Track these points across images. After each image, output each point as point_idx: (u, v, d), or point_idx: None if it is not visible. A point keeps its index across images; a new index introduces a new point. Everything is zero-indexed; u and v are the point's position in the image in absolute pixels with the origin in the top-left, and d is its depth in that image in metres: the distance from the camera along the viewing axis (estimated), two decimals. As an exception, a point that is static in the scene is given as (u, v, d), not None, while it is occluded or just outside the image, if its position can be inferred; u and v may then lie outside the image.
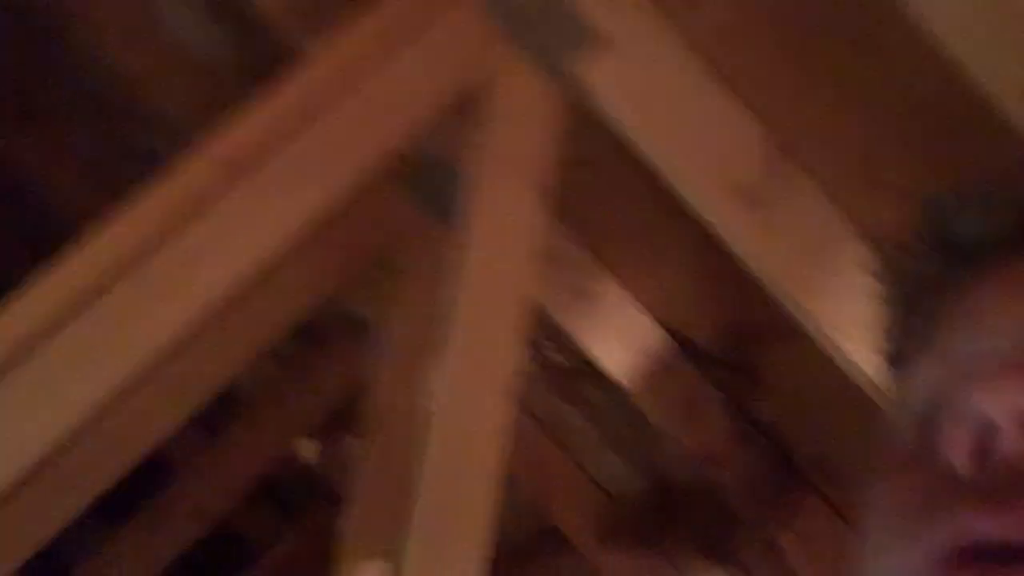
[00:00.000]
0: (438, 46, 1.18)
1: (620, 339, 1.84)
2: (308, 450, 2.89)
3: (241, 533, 3.46)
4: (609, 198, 1.71)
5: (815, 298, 1.33)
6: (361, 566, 1.40)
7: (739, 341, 1.80)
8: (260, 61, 1.68)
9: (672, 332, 1.85)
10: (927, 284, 0.43)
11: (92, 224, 1.05)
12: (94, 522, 1.90)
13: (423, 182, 1.63)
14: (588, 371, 1.97)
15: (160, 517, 2.48)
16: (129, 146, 2.41)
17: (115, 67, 2.08)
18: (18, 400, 0.99)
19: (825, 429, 1.84)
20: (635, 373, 1.85)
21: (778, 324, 1.47)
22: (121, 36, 1.98)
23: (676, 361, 1.86)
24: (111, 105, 2.33)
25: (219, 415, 2.36)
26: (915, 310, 0.43)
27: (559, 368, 2.16)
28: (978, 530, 0.31)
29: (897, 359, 0.44)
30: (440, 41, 1.18)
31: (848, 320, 1.33)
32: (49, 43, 2.20)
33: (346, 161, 1.16)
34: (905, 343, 0.43)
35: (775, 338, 1.69)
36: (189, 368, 1.61)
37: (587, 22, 1.22)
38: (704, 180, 1.31)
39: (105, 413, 1.06)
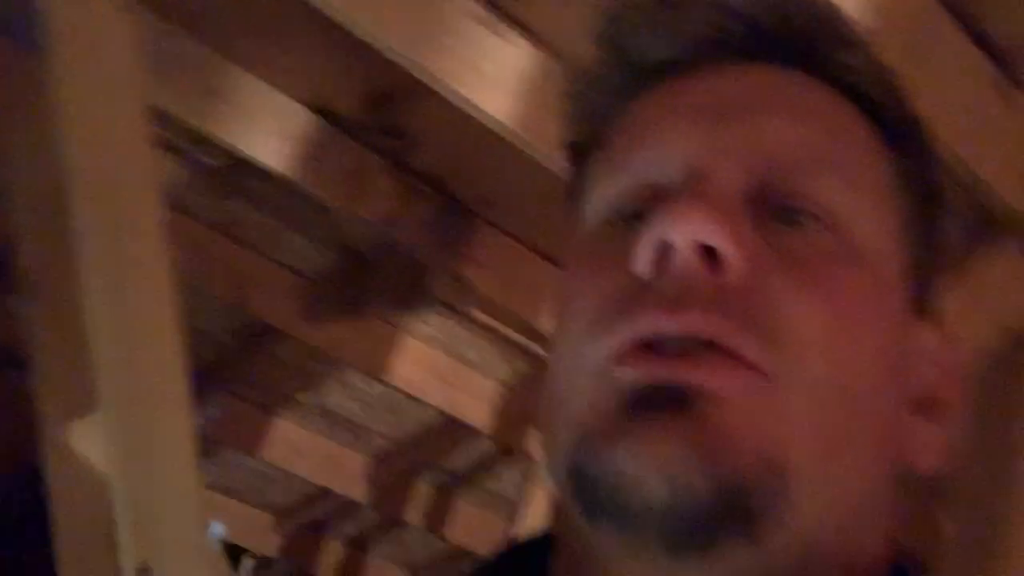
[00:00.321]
0: None
1: (267, 128, 1.81)
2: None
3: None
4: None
5: (433, 55, 1.38)
6: (65, 425, 1.38)
7: (383, 105, 1.83)
8: None
9: (317, 110, 1.85)
10: (605, 93, 0.45)
11: None
12: None
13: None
14: (245, 166, 1.94)
15: None
16: None
17: None
18: None
19: (484, 171, 1.96)
20: (291, 157, 1.85)
21: (413, 83, 1.51)
22: None
23: (329, 136, 1.88)
24: None
25: None
26: (595, 116, 0.45)
27: (215, 170, 2.11)
28: (657, 327, 0.36)
29: (577, 155, 0.46)
30: None
31: (469, 72, 1.39)
32: None
33: None
34: (584, 142, 0.46)
35: (414, 97, 1.74)
36: None
37: None
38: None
39: None
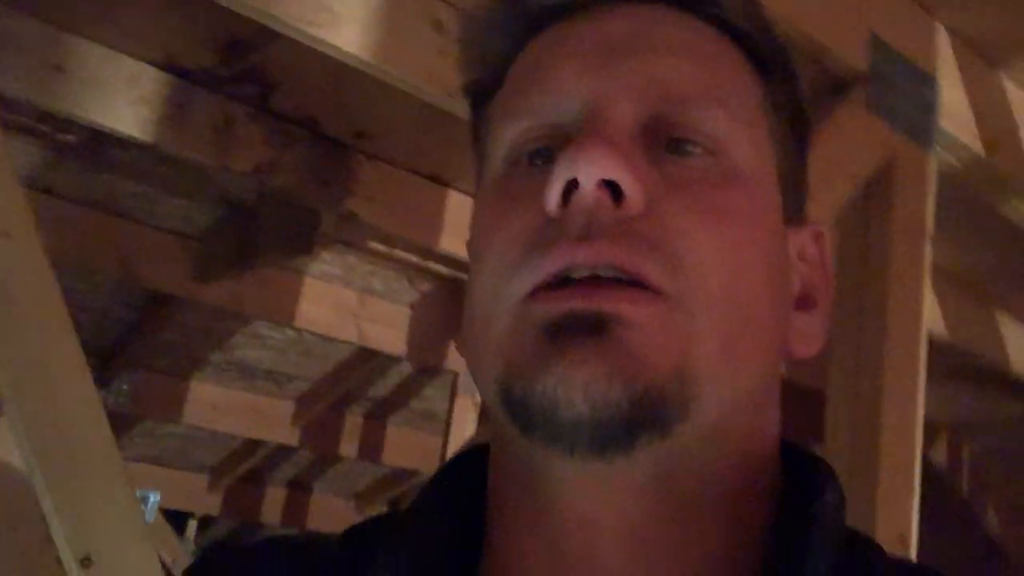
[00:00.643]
0: None
1: (123, 96, 1.76)
2: None
3: None
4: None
5: (278, 1, 1.35)
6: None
7: (237, 53, 1.79)
8: None
9: (170, 69, 1.80)
10: (499, 37, 0.47)
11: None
12: None
13: None
14: (108, 138, 1.89)
15: None
16: None
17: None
18: None
19: (352, 106, 1.94)
20: (153, 122, 1.80)
21: (264, 28, 1.48)
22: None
23: (187, 94, 1.83)
24: None
25: None
26: (491, 60, 0.47)
27: (78, 147, 2.04)
28: (569, 260, 0.39)
29: (477, 99, 0.48)
30: None
31: (319, 12, 1.37)
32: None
33: None
34: (482, 86, 0.48)
35: (268, 41, 1.70)
36: None
37: None
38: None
39: None
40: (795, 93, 0.48)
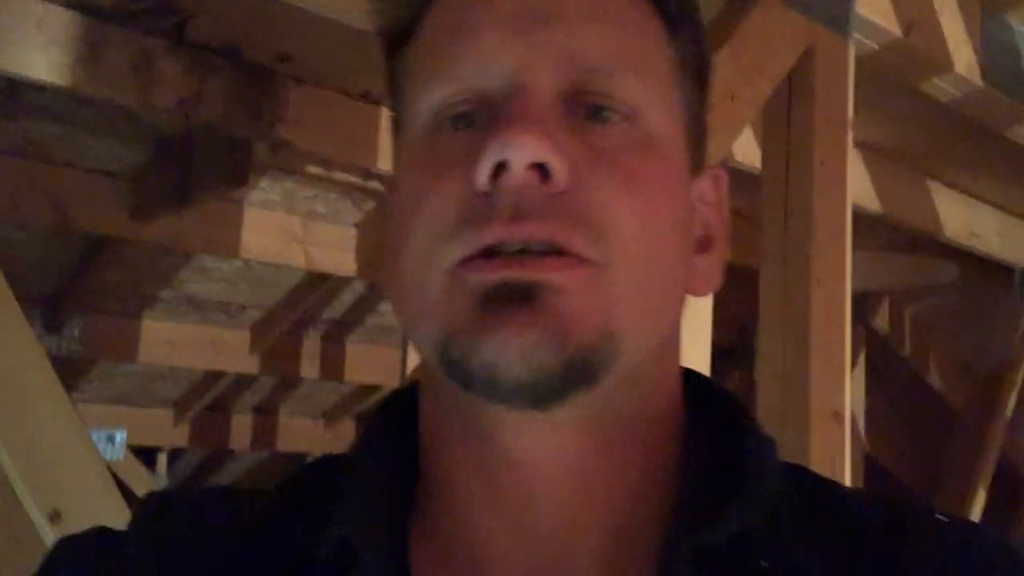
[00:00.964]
0: None
1: (33, 41, 1.71)
2: None
3: None
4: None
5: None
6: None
7: (145, -15, 1.74)
8: None
9: (80, 8, 1.74)
10: None
11: None
12: None
13: None
14: (23, 84, 1.84)
15: None
16: None
17: None
18: None
19: (271, 29, 1.89)
20: (68, 65, 1.75)
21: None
22: None
23: (100, 33, 1.78)
24: None
25: None
26: (403, 5, 0.48)
27: (-7, 97, 1.98)
28: (500, 238, 0.41)
29: (390, 44, 0.49)
30: None
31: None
32: None
33: None
34: (396, 32, 0.48)
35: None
36: None
37: None
38: None
39: None
40: (701, 46, 0.50)
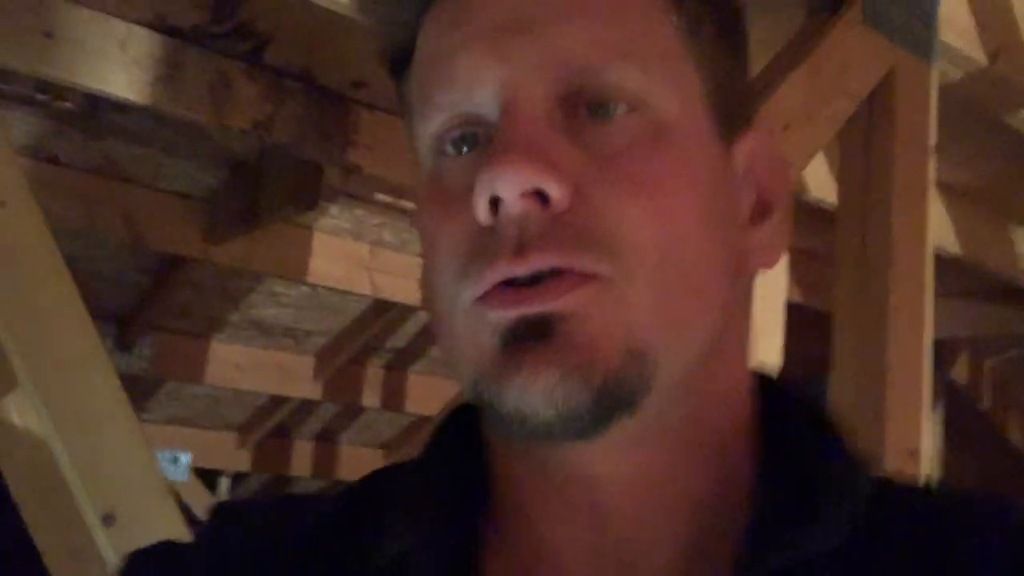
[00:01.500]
0: None
1: (116, 59, 1.75)
2: None
3: None
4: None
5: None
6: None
7: (226, 9, 1.78)
8: None
9: (161, 29, 1.79)
10: (397, 5, 0.46)
11: None
12: None
13: None
14: (106, 104, 1.89)
15: None
16: None
17: None
18: None
19: (346, 55, 1.92)
20: (148, 84, 1.80)
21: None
22: None
23: (180, 54, 1.83)
24: None
25: None
26: (397, 27, 0.46)
27: (77, 114, 2.04)
28: (507, 273, 0.40)
29: (393, 67, 0.48)
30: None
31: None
32: None
33: None
34: (396, 55, 0.47)
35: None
36: None
37: None
38: None
39: None
40: (720, 5, 0.46)
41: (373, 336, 3.33)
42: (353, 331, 3.29)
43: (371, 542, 0.44)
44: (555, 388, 0.38)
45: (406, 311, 3.19)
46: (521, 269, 0.39)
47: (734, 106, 0.46)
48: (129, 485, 1.05)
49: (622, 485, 0.42)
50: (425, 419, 3.91)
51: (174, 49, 1.80)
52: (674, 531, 0.43)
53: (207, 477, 3.79)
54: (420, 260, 2.44)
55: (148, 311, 2.87)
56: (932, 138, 1.38)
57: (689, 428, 0.43)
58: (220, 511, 0.50)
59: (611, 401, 0.39)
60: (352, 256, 2.79)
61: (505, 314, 0.40)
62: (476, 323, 0.41)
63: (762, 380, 0.47)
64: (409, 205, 2.59)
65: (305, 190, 2.23)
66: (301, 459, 3.99)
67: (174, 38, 1.80)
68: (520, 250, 0.39)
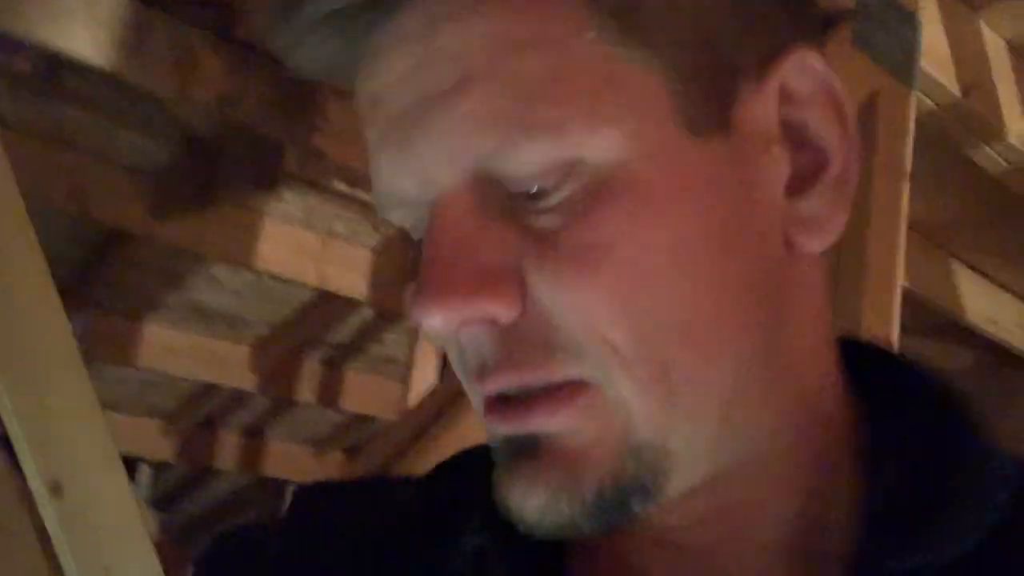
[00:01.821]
0: None
1: (78, 18, 1.68)
2: None
3: None
4: None
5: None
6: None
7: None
8: None
9: (129, -8, 1.73)
10: (321, 39, 0.41)
11: None
12: None
13: None
14: (63, 66, 1.81)
15: None
16: None
17: None
18: None
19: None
20: (110, 47, 1.73)
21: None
22: None
23: (146, 18, 1.76)
24: None
25: None
26: (329, 60, 0.43)
27: (31, 75, 1.96)
28: (481, 396, 0.38)
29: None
30: None
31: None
32: None
33: None
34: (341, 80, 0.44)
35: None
36: None
37: None
38: None
39: None
40: None
41: (314, 329, 3.27)
42: (294, 322, 3.22)
43: (448, 537, 0.43)
44: (548, 505, 0.37)
45: (350, 305, 3.14)
46: (487, 391, 0.38)
47: (730, 58, 0.37)
48: (79, 454, 0.99)
49: (698, 528, 0.40)
50: (359, 418, 3.85)
51: (141, 12, 1.74)
52: (774, 543, 0.40)
53: (127, 465, 3.67)
54: (370, 253, 2.41)
55: (83, 287, 2.77)
56: (908, 165, 1.40)
57: (757, 459, 0.39)
58: (300, 498, 0.49)
59: (617, 500, 0.37)
60: (301, 245, 2.73)
61: (493, 430, 0.39)
62: (485, 423, 0.40)
63: (860, 351, 0.42)
64: (365, 196, 2.54)
65: (263, 171, 2.18)
66: (225, 452, 3.89)
67: (142, 2, 1.74)
68: (481, 374, 0.38)
